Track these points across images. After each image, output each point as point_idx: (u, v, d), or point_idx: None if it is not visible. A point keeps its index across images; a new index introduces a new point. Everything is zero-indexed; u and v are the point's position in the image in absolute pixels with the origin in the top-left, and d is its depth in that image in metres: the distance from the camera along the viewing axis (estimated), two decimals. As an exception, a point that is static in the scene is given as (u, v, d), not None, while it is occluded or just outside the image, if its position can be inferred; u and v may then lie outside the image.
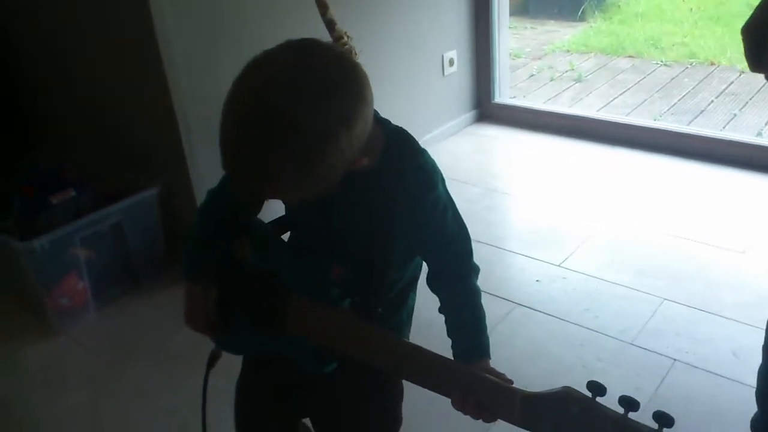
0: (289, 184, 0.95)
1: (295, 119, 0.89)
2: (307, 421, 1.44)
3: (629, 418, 0.85)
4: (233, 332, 1.26)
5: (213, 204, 1.26)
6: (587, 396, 0.89)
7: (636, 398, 0.85)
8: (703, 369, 2.06)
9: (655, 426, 0.83)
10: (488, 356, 1.12)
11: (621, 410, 0.86)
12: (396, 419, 1.32)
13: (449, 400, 1.03)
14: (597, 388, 0.88)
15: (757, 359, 1.58)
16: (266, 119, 0.89)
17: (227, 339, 1.29)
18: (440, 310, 1.17)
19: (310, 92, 0.89)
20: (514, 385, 0.99)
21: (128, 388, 2.21)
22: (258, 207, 1.24)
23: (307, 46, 0.95)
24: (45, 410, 2.15)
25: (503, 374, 1.03)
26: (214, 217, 1.26)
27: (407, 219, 1.10)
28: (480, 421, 1.01)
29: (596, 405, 0.88)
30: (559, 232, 2.83)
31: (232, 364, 1.36)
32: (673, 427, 0.83)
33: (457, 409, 1.02)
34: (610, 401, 0.88)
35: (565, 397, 0.90)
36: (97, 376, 2.30)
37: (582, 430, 0.88)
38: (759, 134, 3.72)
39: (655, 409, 0.83)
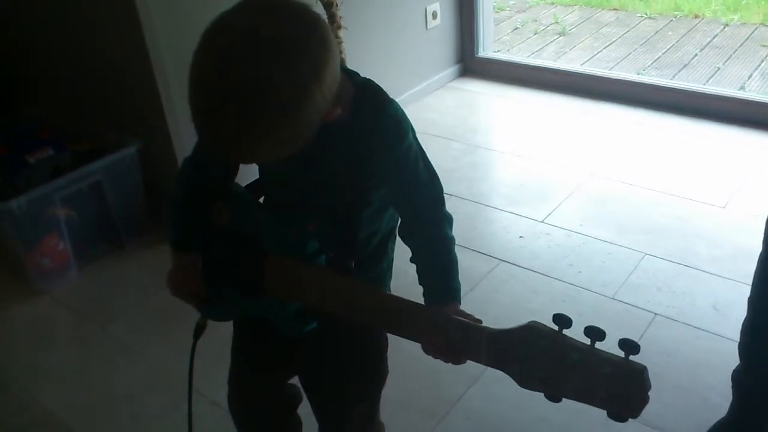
0: (269, 148, 0.94)
1: (267, 85, 0.87)
2: (296, 381, 1.45)
3: (596, 348, 0.85)
4: (217, 299, 1.25)
5: (189, 172, 1.25)
6: (554, 329, 0.88)
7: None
8: (683, 323, 2.08)
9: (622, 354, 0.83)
10: (458, 300, 1.11)
11: (587, 341, 0.86)
12: (382, 371, 1.34)
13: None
14: (563, 321, 0.88)
15: (737, 313, 1.60)
16: (238, 90, 0.87)
17: (211, 306, 1.28)
18: (411, 260, 1.17)
19: (277, 53, 0.87)
20: (483, 325, 0.98)
21: (113, 347, 2.21)
22: (234, 172, 1.23)
23: (265, 3, 0.93)
24: (29, 369, 2.15)
25: (471, 315, 1.02)
26: (191, 185, 1.25)
27: (380, 168, 1.10)
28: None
29: (563, 337, 0.88)
30: (542, 187, 2.83)
31: (221, 327, 1.35)
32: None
33: (428, 353, 1.02)
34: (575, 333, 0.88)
35: (532, 331, 0.89)
36: (81, 335, 2.30)
37: (550, 363, 0.88)
38: (742, 88, 3.71)
39: (621, 337, 0.83)
